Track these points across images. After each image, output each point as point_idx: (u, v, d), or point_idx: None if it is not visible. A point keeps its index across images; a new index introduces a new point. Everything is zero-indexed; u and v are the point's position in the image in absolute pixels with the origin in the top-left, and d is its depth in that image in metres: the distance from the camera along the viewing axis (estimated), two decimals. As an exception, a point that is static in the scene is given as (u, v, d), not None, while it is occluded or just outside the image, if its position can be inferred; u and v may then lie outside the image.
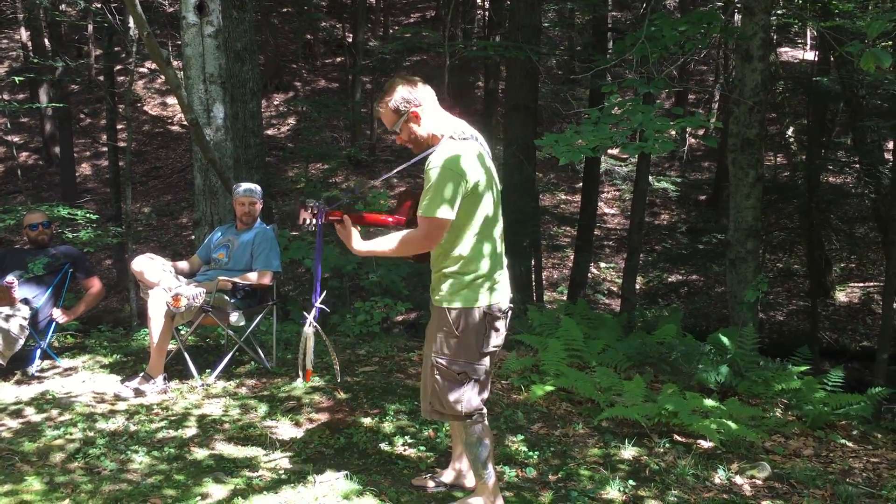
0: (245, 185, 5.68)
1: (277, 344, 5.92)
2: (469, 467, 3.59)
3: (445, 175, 2.94)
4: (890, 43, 9.84)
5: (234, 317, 5.29)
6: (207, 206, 6.93)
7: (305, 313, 3.34)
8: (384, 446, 4.21)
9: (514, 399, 5.16)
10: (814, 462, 4.40)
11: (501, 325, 3.16)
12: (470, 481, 3.62)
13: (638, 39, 6.70)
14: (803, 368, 5.83)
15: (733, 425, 4.47)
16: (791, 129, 14.37)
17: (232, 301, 5.36)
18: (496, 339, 3.16)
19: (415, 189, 3.41)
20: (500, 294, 3.15)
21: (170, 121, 21.85)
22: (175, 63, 16.15)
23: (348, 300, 8.46)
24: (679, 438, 4.54)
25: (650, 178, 15.56)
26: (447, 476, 3.65)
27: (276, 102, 22.28)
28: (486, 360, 3.19)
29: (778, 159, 17.70)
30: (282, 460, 3.99)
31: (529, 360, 5.90)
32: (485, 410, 3.25)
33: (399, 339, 7.16)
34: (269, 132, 20.48)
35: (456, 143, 3.05)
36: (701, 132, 18.99)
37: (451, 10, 14.07)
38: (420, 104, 3.11)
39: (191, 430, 4.40)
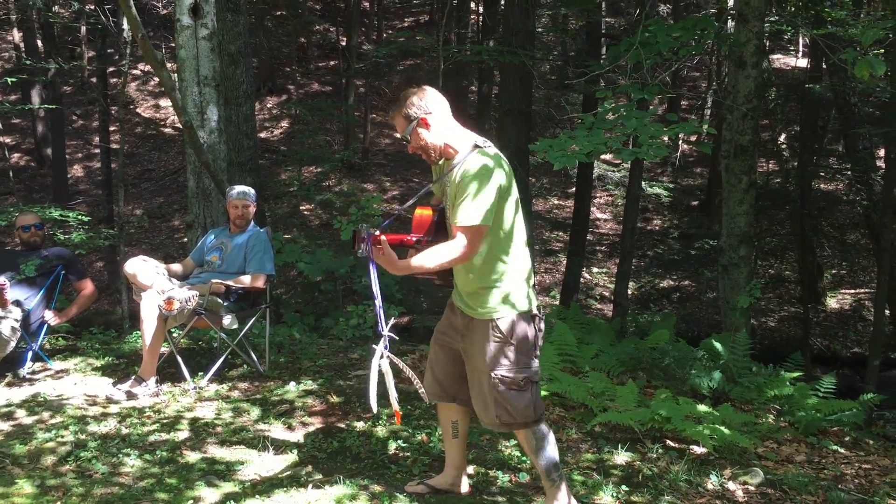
0: (238, 188, 5.67)
1: (270, 347, 5.90)
2: (462, 473, 3.59)
3: (483, 183, 2.98)
4: (882, 51, 9.90)
5: (227, 320, 5.27)
6: (200, 209, 6.91)
7: (374, 346, 3.19)
8: (377, 450, 4.20)
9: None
10: (806, 468, 4.41)
11: (543, 325, 3.24)
12: (465, 487, 3.61)
13: (632, 45, 6.71)
14: (796, 375, 5.84)
15: (726, 431, 4.47)
16: (783, 135, 14.45)
17: (225, 304, 5.34)
18: (541, 341, 3.24)
19: (433, 204, 3.36)
20: (536, 295, 3.24)
21: (162, 123, 21.81)
22: (169, 65, 16.11)
23: (341, 304, 8.44)
24: (672, 444, 4.54)
25: (643, 183, 15.60)
26: (440, 482, 3.64)
27: (269, 105, 22.26)
28: (537, 362, 3.24)
29: (770, 166, 17.78)
30: (274, 464, 3.98)
31: (522, 364, 5.88)
32: (544, 410, 3.30)
33: (392, 343, 7.14)
34: (263, 135, 20.46)
35: (487, 152, 3.09)
36: (694, 138, 19.05)
37: (445, 14, 14.08)
38: (430, 112, 3.13)
39: (183, 434, 4.38)
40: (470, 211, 2.97)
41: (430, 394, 3.49)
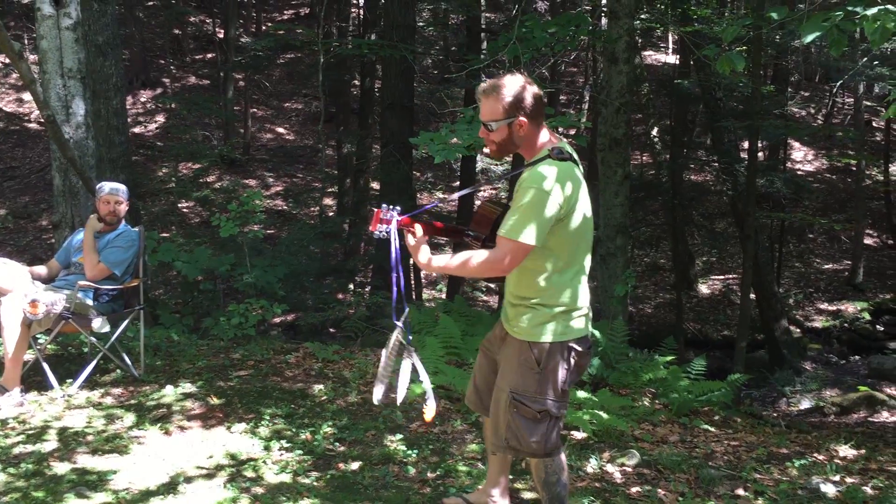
0: (109, 185, 5.39)
1: (146, 350, 5.67)
2: (501, 494, 3.33)
3: (540, 198, 2.68)
4: (745, 48, 10.43)
5: (98, 323, 5.03)
6: (68, 208, 6.57)
7: (398, 330, 2.95)
8: (259, 452, 4.11)
9: (392, 398, 5.14)
10: (679, 448, 4.60)
11: (585, 360, 2.96)
12: None
13: (510, 40, 6.82)
14: (669, 358, 6.09)
15: (605, 416, 4.62)
16: (655, 129, 15.02)
17: (94, 305, 5.09)
18: (577, 376, 2.97)
19: (497, 203, 3.07)
20: (585, 328, 2.93)
21: (27, 118, 20.63)
22: (32, 57, 15.28)
23: (222, 303, 8.22)
24: (554, 430, 4.64)
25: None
26: (477, 497, 3.42)
27: (143, 99, 21.42)
28: (566, 397, 2.96)
29: (644, 158, 18.46)
30: (150, 471, 3.82)
31: (408, 358, 5.89)
32: (561, 446, 3.05)
33: (276, 341, 7.01)
34: (136, 130, 19.67)
35: (556, 164, 2.77)
36: (572, 132, 19.54)
37: (325, 7, 13.91)
38: (530, 113, 2.82)
39: (50, 444, 4.15)
40: (517, 224, 2.69)
41: (468, 402, 3.26)
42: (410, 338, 2.98)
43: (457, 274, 2.90)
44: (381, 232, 2.83)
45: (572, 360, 2.89)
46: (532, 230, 2.68)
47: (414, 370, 3.00)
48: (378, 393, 3.01)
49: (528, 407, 2.86)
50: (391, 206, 2.85)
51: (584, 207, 2.84)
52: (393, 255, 2.88)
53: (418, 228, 2.90)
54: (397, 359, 2.99)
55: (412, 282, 12.61)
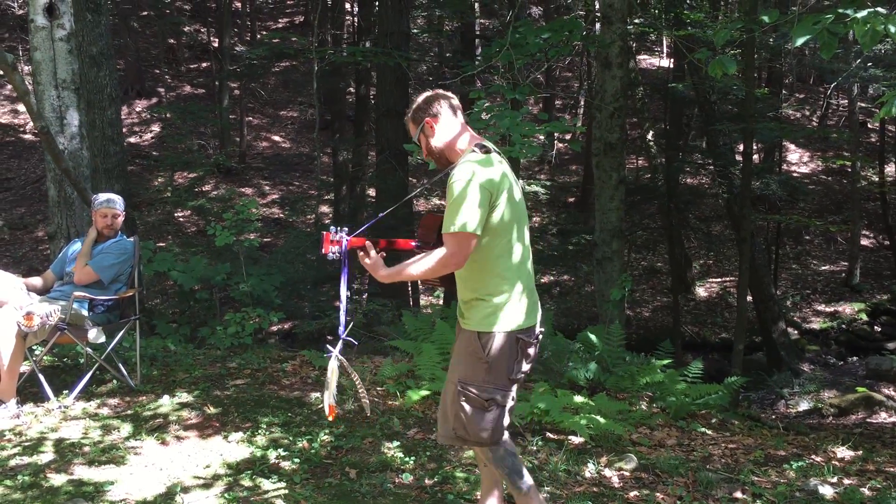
0: (105, 196, 5.39)
1: (142, 360, 5.66)
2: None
3: (469, 188, 2.80)
4: (738, 51, 10.46)
5: (93, 333, 5.02)
6: (63, 219, 6.57)
7: (330, 346, 3.03)
8: (257, 461, 4.10)
9: (389, 405, 5.15)
10: (677, 451, 4.60)
11: (532, 350, 3.02)
12: None
13: (503, 46, 6.83)
14: (666, 362, 6.09)
15: (602, 420, 4.61)
16: (651, 132, 15.03)
17: (90, 316, 5.09)
18: (526, 365, 3.02)
19: (437, 211, 3.18)
20: (531, 317, 3.00)
21: (22, 129, 20.63)
22: (26, 68, 15.28)
23: (219, 312, 8.21)
24: (551, 436, 4.64)
25: (521, 181, 15.89)
26: None
27: (138, 109, 21.42)
28: (514, 387, 3.03)
29: (640, 162, 18.47)
30: (147, 482, 3.82)
31: (405, 366, 5.89)
32: (506, 434, 3.09)
33: (272, 350, 7.00)
34: (132, 140, 19.67)
35: (479, 157, 2.90)
36: (568, 137, 19.57)
37: (319, 15, 13.94)
38: (436, 115, 3.02)
39: (47, 456, 4.14)
40: (454, 217, 2.80)
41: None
42: (342, 348, 3.04)
43: (416, 278, 2.98)
44: (333, 254, 2.94)
45: (519, 349, 2.96)
46: (469, 219, 2.79)
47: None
48: (325, 402, 3.09)
49: (475, 396, 2.94)
50: (339, 228, 2.96)
51: (514, 197, 2.95)
52: (343, 276, 3.00)
53: (369, 245, 2.98)
54: (331, 372, 3.06)
55: (409, 288, 12.60)
